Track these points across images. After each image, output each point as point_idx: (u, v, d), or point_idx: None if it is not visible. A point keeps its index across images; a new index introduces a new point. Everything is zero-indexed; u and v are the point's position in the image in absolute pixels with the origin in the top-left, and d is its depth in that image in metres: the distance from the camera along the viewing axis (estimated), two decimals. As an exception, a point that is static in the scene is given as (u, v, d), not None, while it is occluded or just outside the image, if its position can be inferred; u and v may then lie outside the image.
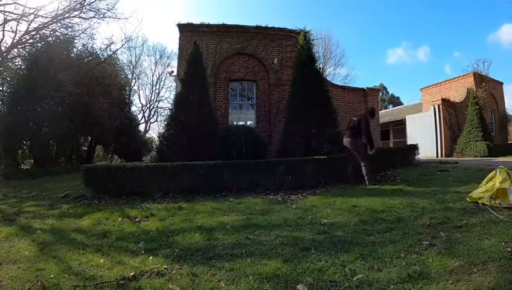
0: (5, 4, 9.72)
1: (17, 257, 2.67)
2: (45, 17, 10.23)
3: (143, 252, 2.72)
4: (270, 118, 9.96)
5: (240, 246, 2.79)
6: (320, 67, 9.82)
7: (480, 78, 16.41)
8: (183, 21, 9.99)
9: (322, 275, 2.12)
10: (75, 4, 10.24)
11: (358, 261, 2.30)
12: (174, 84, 13.34)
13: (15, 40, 10.29)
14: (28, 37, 10.59)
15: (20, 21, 10.11)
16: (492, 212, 3.28)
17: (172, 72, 14.32)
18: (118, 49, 13.59)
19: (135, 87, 26.08)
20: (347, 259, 2.35)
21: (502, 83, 18.69)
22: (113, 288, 2.07)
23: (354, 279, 2.03)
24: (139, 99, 28.17)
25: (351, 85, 17.43)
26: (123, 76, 17.97)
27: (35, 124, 12.15)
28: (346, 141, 6.16)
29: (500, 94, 18.32)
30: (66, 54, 12.14)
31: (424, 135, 15.67)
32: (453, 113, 15.64)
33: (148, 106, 28.06)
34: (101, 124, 12.69)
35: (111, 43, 12.12)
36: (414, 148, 9.39)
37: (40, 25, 10.35)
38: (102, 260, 2.54)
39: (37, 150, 12.34)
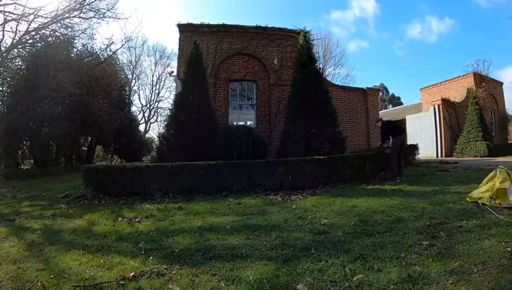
0: (5, 4, 9.69)
1: (17, 257, 2.67)
2: (45, 17, 10.19)
3: (143, 252, 2.72)
4: (270, 118, 9.95)
5: (240, 246, 2.79)
6: (320, 67, 9.83)
7: (480, 78, 16.42)
8: (183, 21, 10.01)
9: (322, 275, 2.12)
10: (75, 4, 10.20)
11: (358, 261, 2.30)
12: (174, 84, 13.33)
13: (15, 40, 10.25)
14: (28, 37, 10.55)
15: (20, 21, 10.06)
16: (493, 212, 3.28)
17: (172, 72, 14.31)
18: (117, 49, 13.45)
19: (135, 88, 26.02)
20: (347, 259, 2.34)
21: (502, 83, 18.72)
22: (113, 288, 2.07)
23: (354, 279, 2.03)
24: (139, 100, 28.05)
25: (351, 85, 17.52)
26: (123, 76, 17.91)
27: (35, 124, 12.14)
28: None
29: (500, 94, 18.31)
30: (66, 54, 12.10)
31: (424, 135, 15.66)
32: (453, 113, 15.63)
33: (148, 106, 28.01)
34: (101, 124, 12.68)
35: (111, 43, 12.01)
36: (414, 148, 9.39)
37: (40, 25, 10.31)
38: (102, 260, 2.54)
39: (37, 150, 12.32)
